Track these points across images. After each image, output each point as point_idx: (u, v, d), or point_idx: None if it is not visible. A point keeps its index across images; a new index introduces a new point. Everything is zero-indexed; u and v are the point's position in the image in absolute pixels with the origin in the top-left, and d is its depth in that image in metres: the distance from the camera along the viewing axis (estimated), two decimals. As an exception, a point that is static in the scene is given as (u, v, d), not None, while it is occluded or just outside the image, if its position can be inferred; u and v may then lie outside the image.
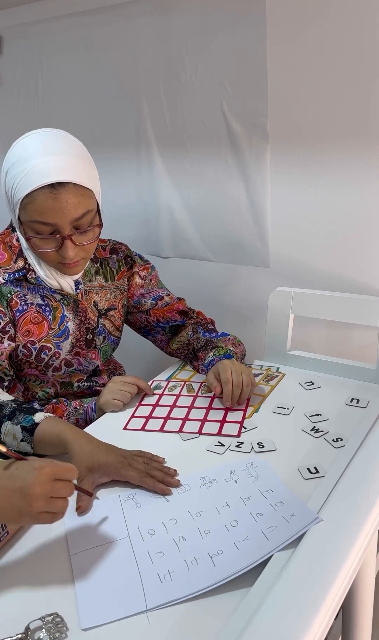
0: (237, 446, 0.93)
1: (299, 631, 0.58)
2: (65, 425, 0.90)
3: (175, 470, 0.87)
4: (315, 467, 0.85)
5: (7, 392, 1.05)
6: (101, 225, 1.03)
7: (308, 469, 0.85)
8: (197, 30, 1.40)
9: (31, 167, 0.92)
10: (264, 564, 0.68)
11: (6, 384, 1.05)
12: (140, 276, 1.24)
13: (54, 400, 1.09)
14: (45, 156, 0.92)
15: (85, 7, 1.55)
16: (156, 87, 1.52)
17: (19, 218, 0.98)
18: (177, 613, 0.63)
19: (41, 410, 0.93)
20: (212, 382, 1.07)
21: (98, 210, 1.03)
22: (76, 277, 1.10)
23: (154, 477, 0.84)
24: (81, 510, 0.80)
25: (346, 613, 0.88)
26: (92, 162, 1.01)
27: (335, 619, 0.93)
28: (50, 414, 0.93)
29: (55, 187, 0.92)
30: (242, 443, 0.94)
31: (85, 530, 0.76)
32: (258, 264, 1.53)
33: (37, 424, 0.89)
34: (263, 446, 0.92)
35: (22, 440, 0.89)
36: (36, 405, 1.07)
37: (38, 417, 0.91)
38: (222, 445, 0.94)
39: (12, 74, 1.80)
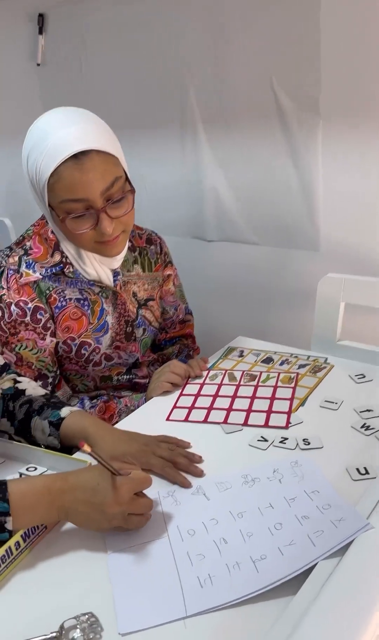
0: (281, 442, 0.89)
1: (345, 647, 0.54)
2: (89, 419, 0.90)
3: (200, 456, 0.86)
4: (365, 468, 0.80)
5: (52, 389, 1.05)
6: (133, 191, 0.97)
7: (357, 469, 0.80)
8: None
9: (50, 144, 0.88)
10: (307, 571, 0.64)
11: (50, 380, 1.05)
12: (174, 284, 1.25)
13: (104, 398, 1.08)
14: (62, 129, 0.89)
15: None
16: (202, 62, 1.46)
17: (49, 204, 0.94)
18: (215, 619, 0.61)
19: (81, 404, 0.92)
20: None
21: (127, 178, 0.98)
22: (117, 264, 1.07)
23: (179, 464, 0.83)
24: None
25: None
26: (110, 129, 0.96)
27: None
28: (77, 408, 0.93)
29: (79, 157, 0.88)
30: (286, 439, 0.90)
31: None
32: (307, 248, 1.47)
33: (63, 418, 0.89)
34: (309, 443, 0.88)
35: (49, 435, 0.90)
36: (86, 402, 1.07)
37: (64, 411, 0.91)
38: (266, 440, 0.90)
39: (55, 53, 1.77)
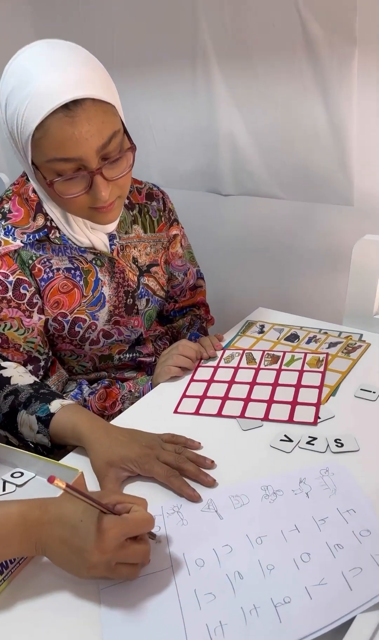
0: (308, 443, 0.76)
1: None
2: (82, 415, 0.79)
3: (212, 461, 0.74)
4: (412, 479, 0.67)
5: (45, 373, 0.94)
6: (133, 149, 0.83)
7: (402, 480, 0.67)
8: None
9: (35, 90, 0.71)
10: (346, 623, 0.52)
11: (42, 363, 0.93)
12: (182, 245, 1.11)
13: (105, 382, 0.97)
14: (50, 72, 0.72)
15: None
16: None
17: (32, 162, 0.79)
18: None
19: (71, 396, 0.80)
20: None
21: (126, 132, 0.82)
22: (111, 228, 0.92)
23: (186, 472, 0.71)
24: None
25: None
26: (105, 70, 0.80)
27: None
28: (69, 401, 0.82)
29: (71, 107, 0.72)
30: (315, 439, 0.76)
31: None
32: (339, 202, 1.32)
33: (52, 414, 0.78)
34: (342, 445, 0.74)
35: (38, 432, 0.79)
36: (85, 388, 0.95)
37: (54, 406, 0.80)
38: (290, 440, 0.76)
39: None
